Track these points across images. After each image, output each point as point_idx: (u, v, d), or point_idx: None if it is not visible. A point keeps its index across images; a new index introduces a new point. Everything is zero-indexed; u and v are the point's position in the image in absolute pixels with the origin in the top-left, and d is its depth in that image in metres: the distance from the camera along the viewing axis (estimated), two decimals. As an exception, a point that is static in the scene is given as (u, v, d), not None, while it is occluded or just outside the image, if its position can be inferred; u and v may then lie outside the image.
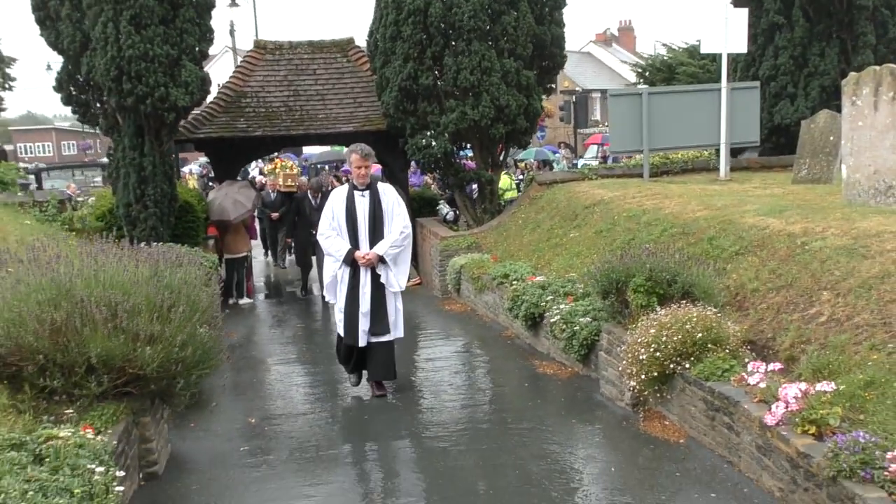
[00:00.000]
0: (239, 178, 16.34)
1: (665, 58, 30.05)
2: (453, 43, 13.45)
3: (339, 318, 7.45)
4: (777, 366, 4.99)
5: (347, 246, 7.27)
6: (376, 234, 7.32)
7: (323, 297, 8.94)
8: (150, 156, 12.48)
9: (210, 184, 22.16)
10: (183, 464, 5.92)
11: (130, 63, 11.76)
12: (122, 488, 4.32)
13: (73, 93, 13.14)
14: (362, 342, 7.28)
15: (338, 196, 7.52)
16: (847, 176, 8.52)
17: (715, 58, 19.61)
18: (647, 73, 30.26)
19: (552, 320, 7.83)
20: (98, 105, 13.18)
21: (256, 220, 16.09)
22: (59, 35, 12.47)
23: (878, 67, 8.44)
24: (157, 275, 5.51)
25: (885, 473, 3.73)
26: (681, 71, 26.28)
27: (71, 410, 4.94)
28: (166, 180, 12.71)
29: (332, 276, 7.41)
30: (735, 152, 15.56)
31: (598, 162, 27.18)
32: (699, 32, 14.22)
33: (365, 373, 7.61)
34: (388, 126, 14.33)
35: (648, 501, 4.90)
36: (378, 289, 7.32)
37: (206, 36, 12.89)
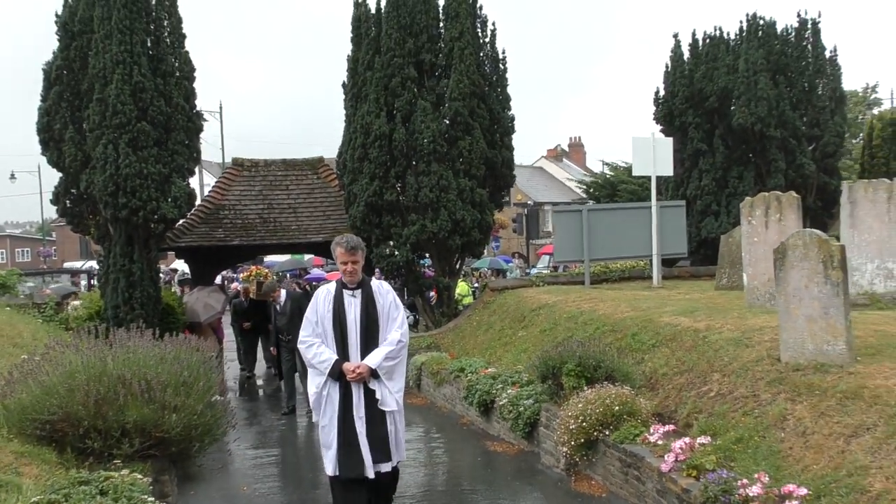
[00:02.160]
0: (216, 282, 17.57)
1: (608, 176, 32.42)
2: (415, 164, 15.17)
3: (327, 453, 6.17)
4: (671, 427, 6.38)
5: (333, 357, 6.09)
6: (369, 342, 6.15)
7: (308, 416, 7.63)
8: (139, 262, 13.77)
9: (173, 289, 23.13)
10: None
11: (126, 180, 13.18)
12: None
13: (69, 205, 14.47)
14: (370, 473, 6.03)
15: (323, 296, 6.32)
16: (747, 283, 10.14)
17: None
18: (591, 190, 32.51)
19: (501, 403, 9.17)
20: (91, 216, 14.51)
21: (230, 327, 17.01)
22: (60, 154, 13.90)
23: (766, 193, 10.22)
24: (178, 357, 6.77)
25: (737, 496, 5.08)
26: (622, 188, 28.48)
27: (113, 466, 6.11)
28: (152, 284, 13.98)
29: (317, 393, 6.18)
30: (669, 262, 17.31)
31: (549, 270, 28.91)
32: (631, 157, 16.10)
33: None
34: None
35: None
36: (374, 407, 6.11)
37: (193, 156, 14.45)
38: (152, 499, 5.25)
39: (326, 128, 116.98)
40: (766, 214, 10.37)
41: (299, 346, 6.33)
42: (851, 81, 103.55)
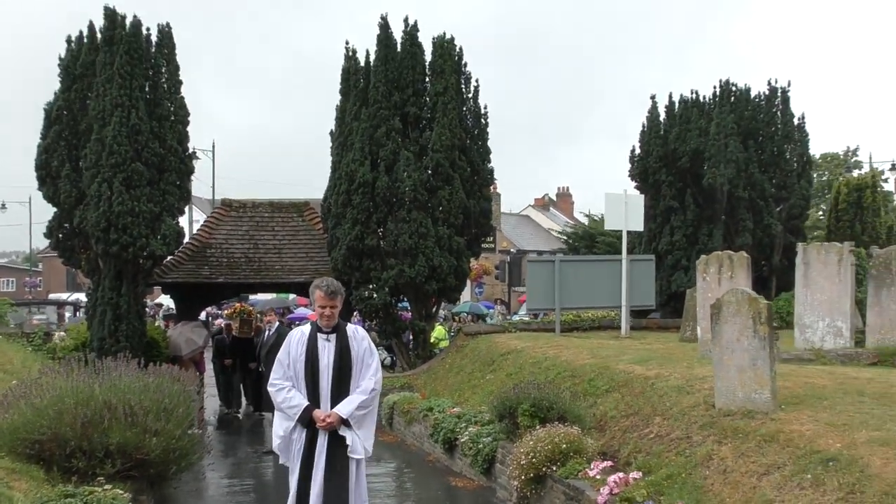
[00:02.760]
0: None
1: (588, 228, 33.30)
2: (396, 211, 15.87)
3: (293, 489, 6.21)
4: (609, 463, 6.98)
5: (304, 402, 6.04)
6: (341, 388, 6.12)
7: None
8: (126, 296, 14.34)
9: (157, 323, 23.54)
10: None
11: (119, 217, 13.81)
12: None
13: (61, 238, 15.07)
14: None
15: (297, 338, 6.27)
16: (700, 335, 10.78)
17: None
18: (571, 241, 33.37)
19: (463, 441, 9.74)
20: (83, 250, 15.10)
21: (210, 363, 17.53)
22: (56, 190, 14.52)
23: (720, 252, 10.94)
24: (160, 386, 7.34)
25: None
26: (600, 240, 29.32)
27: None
28: (138, 318, 14.54)
29: (283, 437, 6.18)
30: (640, 314, 17.99)
31: (529, 317, 29.56)
32: (604, 211, 16.86)
33: None
34: (336, 278, 16.40)
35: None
36: (337, 452, 6.07)
37: (184, 195, 15.10)
38: (132, 511, 5.79)
39: (313, 167, 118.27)
40: (718, 272, 11.09)
41: (269, 388, 6.21)
42: (833, 144, 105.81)
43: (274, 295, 33.61)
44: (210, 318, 24.17)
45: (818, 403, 7.00)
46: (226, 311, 18.22)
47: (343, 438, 6.04)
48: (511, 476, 8.02)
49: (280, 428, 6.20)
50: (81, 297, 29.46)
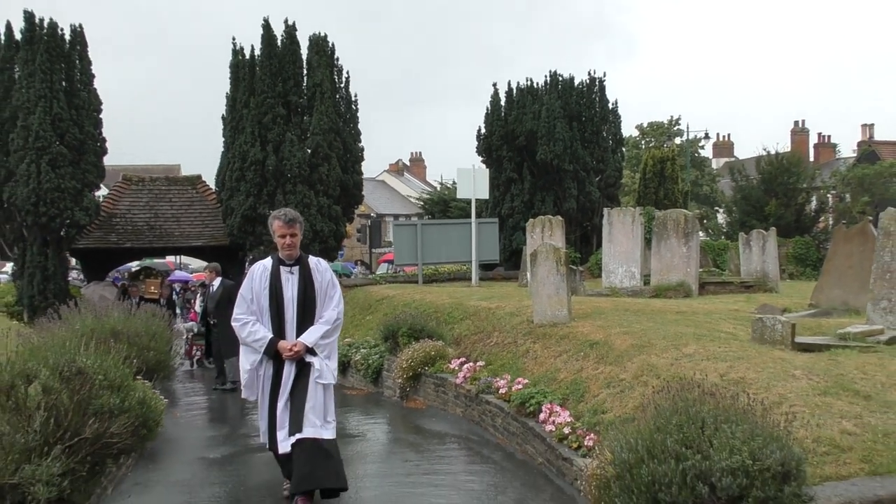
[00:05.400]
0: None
1: (441, 194, 37.00)
2: (283, 185, 18.77)
3: (262, 425, 6.35)
4: (464, 360, 10.46)
5: (269, 335, 6.12)
6: (305, 319, 6.19)
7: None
8: (53, 260, 16.66)
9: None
10: None
11: (47, 193, 16.08)
12: None
13: (-12, 211, 17.15)
14: (281, 448, 6.02)
15: (259, 272, 6.30)
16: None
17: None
18: (427, 206, 36.97)
19: (355, 360, 13.03)
20: (6, 222, 17.21)
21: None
22: (-17, 170, 16.60)
23: (543, 217, 14.63)
24: (147, 320, 10.21)
25: (494, 387, 9.17)
26: (453, 205, 32.96)
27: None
28: (63, 279, 16.87)
29: (250, 371, 6.22)
30: (489, 268, 21.70)
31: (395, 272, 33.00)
32: (457, 183, 20.35)
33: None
34: (231, 243, 19.23)
35: (409, 421, 10.12)
36: (303, 378, 6.12)
37: (100, 173, 17.45)
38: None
39: (197, 146, 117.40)
40: (542, 231, 14.82)
41: (233, 323, 6.24)
42: (659, 114, 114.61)
43: (146, 260, 35.45)
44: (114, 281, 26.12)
45: (597, 316, 10.71)
46: (129, 274, 20.41)
47: (309, 366, 6.09)
48: (395, 377, 11.41)
49: (247, 362, 6.22)
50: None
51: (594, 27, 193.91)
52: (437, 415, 10.46)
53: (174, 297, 19.26)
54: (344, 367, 13.75)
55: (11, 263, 19.03)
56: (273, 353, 6.13)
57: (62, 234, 16.75)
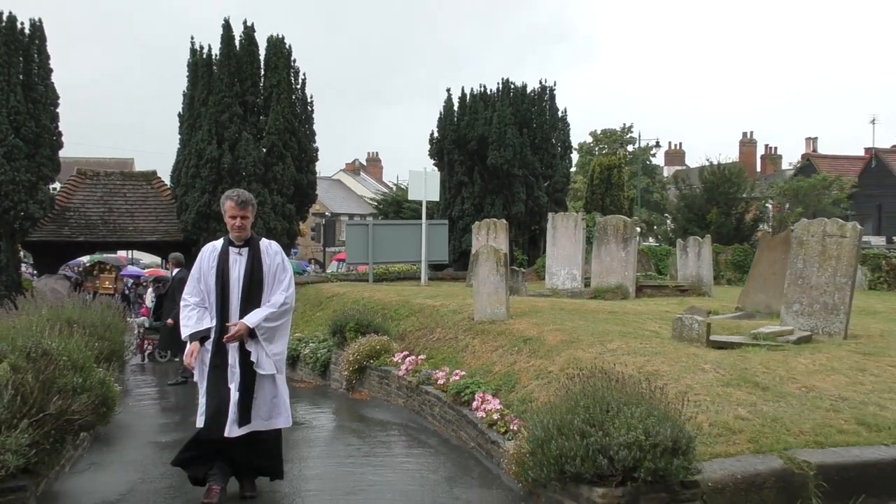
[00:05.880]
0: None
1: (395, 195, 37.56)
2: (238, 182, 19.16)
3: (202, 404, 6.11)
4: (407, 353, 11.04)
5: (196, 326, 6.01)
6: (251, 302, 6.01)
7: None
8: (6, 252, 16.88)
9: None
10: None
11: (1, 186, 16.31)
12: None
13: (-60, 204, 17.28)
14: (229, 431, 5.86)
15: (209, 252, 6.19)
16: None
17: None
18: (380, 206, 37.50)
19: (304, 353, 13.53)
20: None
21: None
22: (-62, 161, 16.75)
23: (488, 220, 15.26)
24: (101, 311, 10.61)
25: (433, 378, 9.77)
26: (406, 206, 33.49)
27: None
28: (15, 271, 17.10)
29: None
30: (439, 268, 22.28)
31: (346, 270, 33.47)
32: (409, 185, 20.93)
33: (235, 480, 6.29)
34: (185, 238, 19.56)
35: (353, 411, 10.67)
36: (249, 370, 6.00)
37: (55, 167, 17.69)
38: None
39: (150, 142, 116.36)
40: (487, 234, 15.45)
41: (181, 303, 6.21)
42: (615, 119, 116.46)
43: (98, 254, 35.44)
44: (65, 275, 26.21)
45: (534, 315, 11.36)
46: (83, 268, 20.65)
47: (249, 354, 5.96)
48: (342, 370, 11.95)
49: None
50: None
51: (554, 30, 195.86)
52: (381, 405, 11.02)
53: (126, 291, 19.51)
54: (293, 360, 14.25)
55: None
56: (198, 340, 6.03)
57: (16, 226, 16.96)
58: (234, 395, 5.90)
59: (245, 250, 6.12)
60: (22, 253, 21.41)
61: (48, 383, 5.40)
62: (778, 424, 6.41)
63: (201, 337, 6.04)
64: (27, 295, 17.20)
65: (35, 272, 20.89)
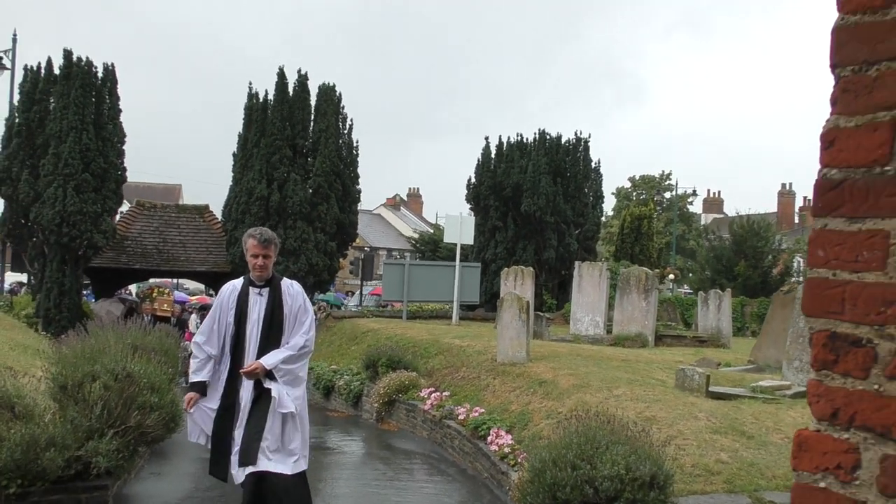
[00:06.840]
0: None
1: (433, 235, 38.80)
2: (285, 220, 20.43)
3: (200, 437, 5.98)
4: (433, 389, 12.05)
5: (198, 378, 5.78)
6: (269, 345, 5.73)
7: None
8: (70, 277, 18.23)
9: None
10: None
11: (71, 215, 17.71)
12: None
13: (12, 229, 18.73)
14: (238, 478, 5.62)
15: (229, 292, 5.93)
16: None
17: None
18: (418, 245, 38.75)
19: (339, 385, 14.58)
20: (29, 239, 18.82)
21: None
22: (15, 191, 18.21)
23: (516, 266, 16.25)
24: (160, 337, 11.78)
25: (455, 413, 10.74)
26: (442, 246, 34.66)
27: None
28: (77, 295, 18.43)
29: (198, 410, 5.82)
30: (471, 308, 23.29)
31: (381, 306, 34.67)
32: (445, 228, 22.08)
33: None
34: (233, 270, 20.79)
35: (381, 440, 11.67)
36: (262, 404, 5.62)
37: (119, 199, 19.10)
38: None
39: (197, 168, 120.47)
40: (514, 280, 16.44)
41: (192, 346, 6.04)
42: (656, 165, 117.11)
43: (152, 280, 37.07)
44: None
45: (552, 359, 12.31)
46: (137, 292, 21.97)
47: (268, 393, 5.60)
48: (373, 402, 12.97)
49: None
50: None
51: (602, 69, 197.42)
52: (407, 436, 12.01)
53: (183, 315, 20.81)
54: (328, 391, 15.33)
55: (16, 273, 20.54)
56: (199, 391, 5.78)
57: (80, 253, 18.33)
58: (239, 439, 5.62)
59: (266, 290, 5.85)
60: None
61: (130, 400, 6.49)
62: (754, 469, 7.30)
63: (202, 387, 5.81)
64: (88, 319, 18.60)
65: (91, 294, 22.30)
